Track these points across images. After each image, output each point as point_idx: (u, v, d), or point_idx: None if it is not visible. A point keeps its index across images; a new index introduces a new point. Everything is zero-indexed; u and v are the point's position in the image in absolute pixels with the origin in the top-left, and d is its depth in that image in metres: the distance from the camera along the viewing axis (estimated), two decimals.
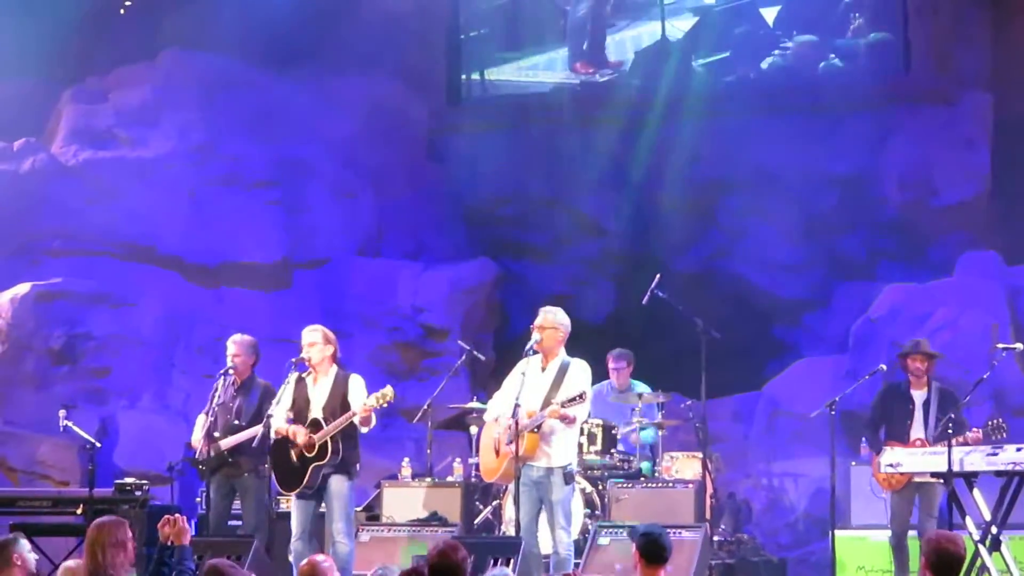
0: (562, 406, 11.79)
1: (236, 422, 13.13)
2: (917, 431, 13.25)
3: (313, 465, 12.08)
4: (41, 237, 18.53)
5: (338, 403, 12.15)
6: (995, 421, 12.75)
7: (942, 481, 12.36)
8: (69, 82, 19.38)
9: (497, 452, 12.22)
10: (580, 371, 12.11)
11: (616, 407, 15.15)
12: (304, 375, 12.39)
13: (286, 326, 17.24)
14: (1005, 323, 16.21)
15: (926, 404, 13.33)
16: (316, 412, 12.20)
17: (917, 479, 13.03)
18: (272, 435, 12.29)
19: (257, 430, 12.62)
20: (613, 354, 15.49)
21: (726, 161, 19.11)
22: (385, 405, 12.12)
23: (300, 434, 12.13)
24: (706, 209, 19.37)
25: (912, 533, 13.47)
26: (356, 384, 12.22)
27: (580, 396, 11.84)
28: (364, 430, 12.17)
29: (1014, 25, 18.56)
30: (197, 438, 13.25)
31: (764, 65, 19.41)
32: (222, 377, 13.26)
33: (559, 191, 19.70)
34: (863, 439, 14.99)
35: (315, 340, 12.34)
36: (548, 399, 11.94)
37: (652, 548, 8.85)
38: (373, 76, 19.64)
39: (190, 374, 17.97)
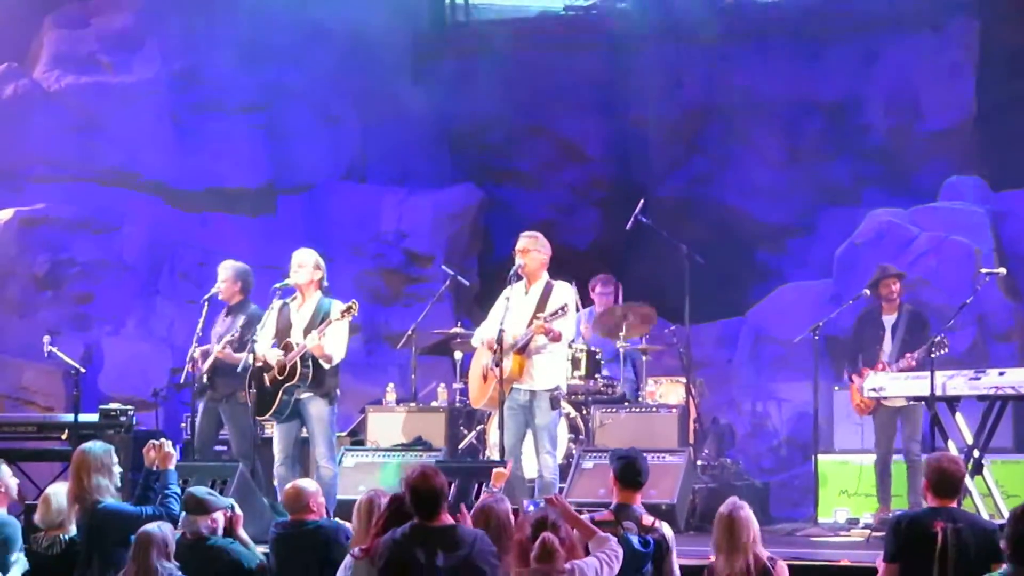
0: (545, 320, 11.81)
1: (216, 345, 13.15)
2: (886, 354, 13.33)
3: (283, 387, 12.06)
4: (24, 163, 18.42)
5: (317, 327, 12.08)
6: (938, 338, 12.33)
7: (923, 404, 12.43)
8: (51, 7, 19.22)
9: (485, 378, 12.22)
10: (563, 289, 12.11)
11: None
12: (288, 300, 12.38)
13: (271, 252, 17.22)
14: (989, 248, 16.22)
15: (894, 327, 13.42)
16: (296, 336, 12.18)
17: (894, 403, 13.09)
18: (252, 361, 12.27)
19: (236, 357, 12.58)
20: (600, 279, 15.44)
21: (710, 87, 19.05)
22: (350, 317, 12.06)
23: (272, 356, 12.12)
24: (690, 135, 19.32)
25: (896, 457, 13.55)
26: (336, 310, 12.15)
27: (562, 308, 11.84)
28: (325, 365, 12.09)
29: None
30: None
31: None
32: (207, 303, 13.25)
33: (543, 117, 19.64)
34: (845, 365, 15.08)
35: (305, 262, 12.31)
36: (533, 321, 11.93)
37: (628, 472, 8.91)
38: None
39: (174, 300, 17.97)
